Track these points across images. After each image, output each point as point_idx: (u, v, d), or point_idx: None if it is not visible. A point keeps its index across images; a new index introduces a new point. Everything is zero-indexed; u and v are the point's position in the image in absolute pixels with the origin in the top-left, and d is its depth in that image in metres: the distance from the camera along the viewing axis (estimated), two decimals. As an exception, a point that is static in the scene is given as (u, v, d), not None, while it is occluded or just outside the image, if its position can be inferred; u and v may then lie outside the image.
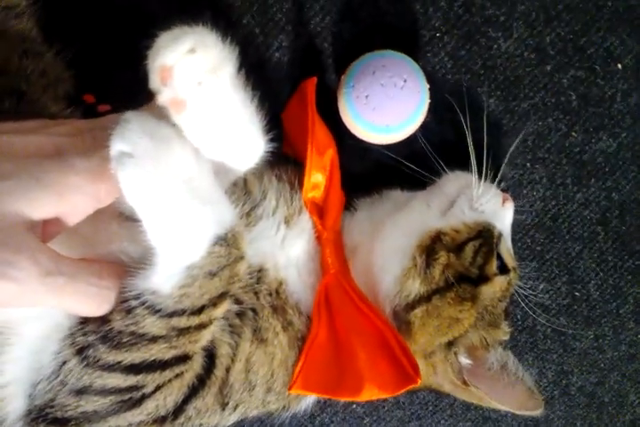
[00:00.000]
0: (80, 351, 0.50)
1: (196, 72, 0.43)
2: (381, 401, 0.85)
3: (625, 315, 0.86)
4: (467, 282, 0.63)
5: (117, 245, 0.54)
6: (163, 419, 0.55)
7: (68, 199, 0.45)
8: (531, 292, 0.71)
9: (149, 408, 0.53)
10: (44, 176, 0.44)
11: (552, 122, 0.81)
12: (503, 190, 0.72)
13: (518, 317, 0.84)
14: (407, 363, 0.60)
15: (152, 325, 0.48)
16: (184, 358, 0.52)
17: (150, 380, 0.51)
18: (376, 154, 0.77)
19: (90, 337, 0.50)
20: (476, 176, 0.68)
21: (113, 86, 0.71)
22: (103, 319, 0.49)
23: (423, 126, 0.73)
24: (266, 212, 0.62)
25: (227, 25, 0.45)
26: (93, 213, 0.47)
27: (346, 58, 0.74)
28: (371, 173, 0.79)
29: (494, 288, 0.65)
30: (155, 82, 0.44)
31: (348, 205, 0.71)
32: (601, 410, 0.88)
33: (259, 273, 0.60)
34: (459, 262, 0.63)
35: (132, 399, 0.52)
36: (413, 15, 0.77)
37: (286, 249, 0.63)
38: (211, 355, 0.56)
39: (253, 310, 0.59)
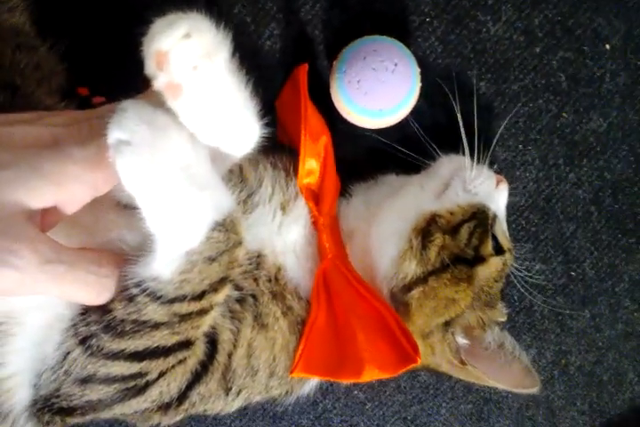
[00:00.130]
0: (83, 341, 0.51)
1: (192, 57, 0.43)
2: (382, 386, 0.86)
3: (621, 293, 0.87)
4: (462, 263, 0.64)
5: (116, 234, 0.54)
6: (167, 406, 0.56)
7: (67, 188, 0.45)
8: (526, 273, 0.72)
9: (153, 395, 0.54)
10: (43, 166, 0.44)
11: (542, 103, 0.81)
12: (497, 172, 0.72)
13: (515, 298, 0.85)
14: (406, 343, 0.60)
15: (154, 312, 0.48)
16: (187, 344, 0.52)
17: (154, 367, 0.52)
18: (369, 139, 0.77)
19: (92, 327, 0.50)
20: (469, 159, 0.69)
21: (106, 78, 0.71)
22: (105, 309, 0.49)
23: (415, 110, 0.73)
24: (262, 199, 0.63)
25: (218, 14, 0.45)
26: (91, 202, 0.47)
27: (337, 44, 0.74)
28: (365, 158, 0.79)
29: (490, 269, 0.66)
30: (150, 67, 0.44)
31: (344, 191, 0.71)
32: (600, 389, 0.89)
33: (257, 259, 0.60)
34: (454, 244, 0.64)
35: (136, 387, 0.52)
36: (403, 1, 0.78)
37: (283, 235, 0.64)
38: (213, 341, 0.56)
39: (253, 296, 0.60)
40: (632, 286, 0.87)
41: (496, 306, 0.69)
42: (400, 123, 0.73)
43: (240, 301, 0.59)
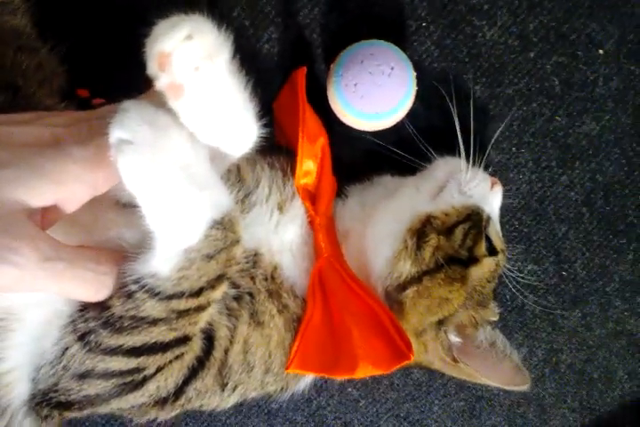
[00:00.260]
0: (82, 337, 0.51)
1: (194, 58, 0.44)
2: (376, 383, 0.86)
3: (611, 293, 0.87)
4: (456, 263, 0.65)
5: (115, 232, 0.55)
6: (164, 400, 0.56)
7: (67, 187, 0.45)
8: (518, 274, 0.73)
9: (151, 390, 0.54)
10: (43, 165, 0.44)
11: (536, 107, 0.82)
12: (491, 175, 0.73)
13: (507, 297, 0.85)
14: (400, 341, 0.61)
15: (152, 308, 0.49)
16: (184, 340, 0.53)
17: (151, 362, 0.52)
18: (366, 141, 0.78)
19: (91, 323, 0.50)
20: (465, 161, 0.70)
21: (105, 80, 0.72)
22: (103, 306, 0.50)
23: (411, 113, 0.74)
24: (259, 199, 0.63)
25: (217, 18, 0.46)
26: (91, 201, 0.48)
27: (334, 48, 0.75)
28: (361, 160, 0.80)
29: (483, 269, 0.67)
30: (152, 68, 0.44)
31: (340, 192, 0.72)
32: (590, 387, 0.90)
33: (254, 257, 0.61)
34: (448, 245, 0.65)
35: (133, 382, 0.53)
36: (399, 5, 0.79)
37: (280, 234, 0.64)
38: (209, 337, 0.57)
39: (250, 294, 0.60)
40: (622, 285, 0.87)
41: (488, 305, 0.70)
42: (396, 125, 0.74)
43: (237, 298, 0.59)
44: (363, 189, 0.73)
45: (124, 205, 0.55)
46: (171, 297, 0.49)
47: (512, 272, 0.72)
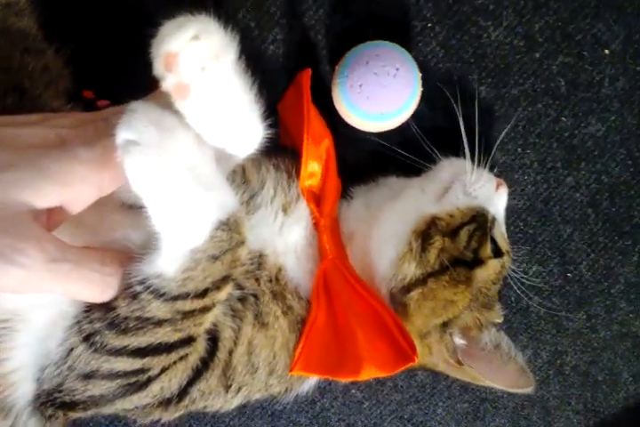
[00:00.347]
0: (87, 338, 0.51)
1: (200, 58, 0.44)
2: (380, 385, 0.86)
3: (616, 294, 0.87)
4: (461, 265, 0.65)
5: (120, 233, 0.55)
6: (168, 401, 0.56)
7: (72, 188, 0.45)
8: (523, 275, 0.72)
9: (155, 391, 0.54)
10: (49, 166, 0.44)
11: (542, 107, 0.82)
12: (496, 176, 0.73)
13: (512, 299, 0.85)
14: (404, 343, 0.61)
15: (157, 309, 0.49)
16: (189, 341, 0.53)
17: (156, 363, 0.52)
18: (370, 142, 0.77)
19: (96, 324, 0.51)
20: (470, 162, 0.69)
21: (111, 82, 0.72)
22: (108, 306, 0.50)
23: (416, 114, 0.74)
24: (264, 200, 0.63)
25: (223, 19, 0.46)
26: (96, 202, 0.48)
27: (339, 49, 0.74)
28: (366, 161, 0.80)
29: (488, 271, 0.67)
30: (159, 69, 0.44)
31: (345, 194, 0.72)
32: (595, 389, 0.90)
33: (259, 259, 0.61)
34: (453, 246, 0.64)
35: (138, 382, 0.53)
36: (405, 6, 0.78)
37: (284, 236, 0.64)
38: (214, 338, 0.57)
39: (254, 295, 0.60)
40: (627, 287, 0.87)
41: (493, 307, 0.70)
42: (401, 126, 0.74)
43: (241, 299, 0.59)
44: (367, 191, 0.73)
45: (129, 206, 0.55)
46: (176, 298, 0.49)
47: (517, 274, 0.72)
